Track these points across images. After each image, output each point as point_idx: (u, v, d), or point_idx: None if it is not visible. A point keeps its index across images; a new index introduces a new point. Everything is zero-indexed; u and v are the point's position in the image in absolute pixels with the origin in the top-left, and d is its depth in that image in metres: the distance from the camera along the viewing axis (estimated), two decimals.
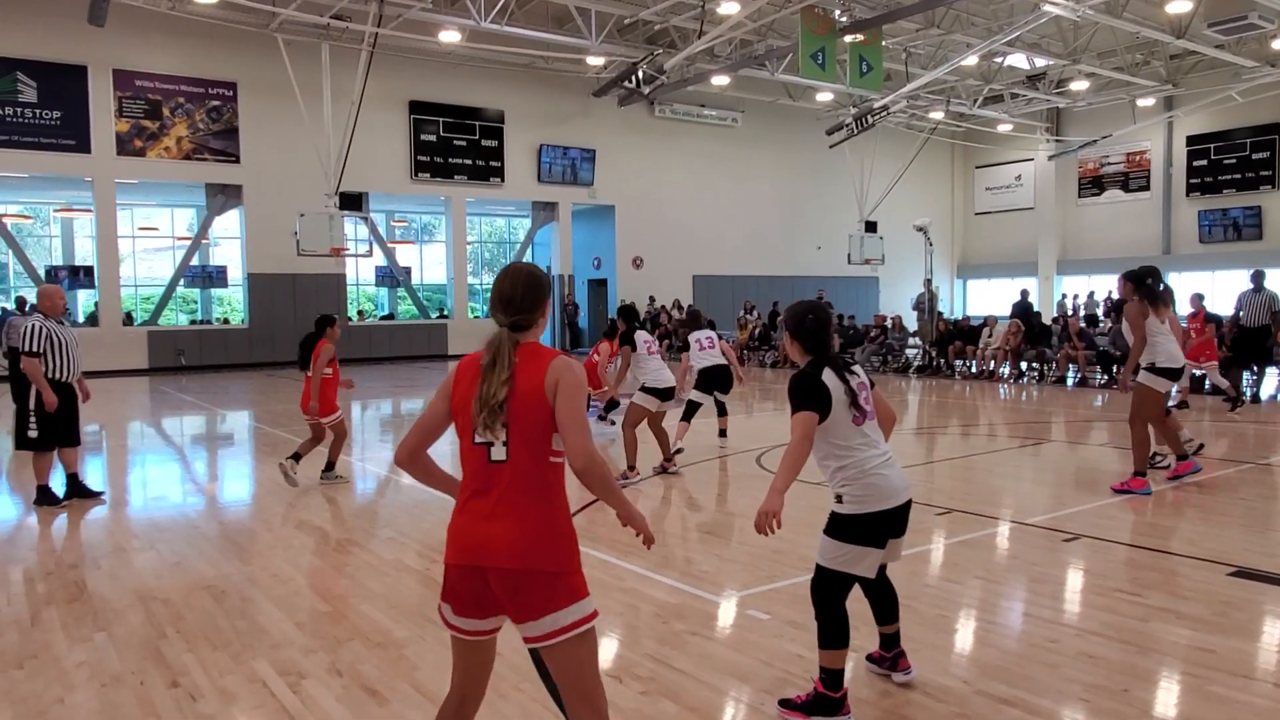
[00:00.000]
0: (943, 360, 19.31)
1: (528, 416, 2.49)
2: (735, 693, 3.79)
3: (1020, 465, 9.29)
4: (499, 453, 2.50)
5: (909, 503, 3.58)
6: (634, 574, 5.43)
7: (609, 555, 5.85)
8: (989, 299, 32.71)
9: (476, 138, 25.53)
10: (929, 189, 34.10)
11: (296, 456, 8.06)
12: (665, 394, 8.28)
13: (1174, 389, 7.65)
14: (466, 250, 27.58)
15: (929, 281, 20.44)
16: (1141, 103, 27.65)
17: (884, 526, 3.49)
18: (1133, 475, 7.42)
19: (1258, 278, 13.99)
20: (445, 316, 26.95)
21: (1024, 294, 20.69)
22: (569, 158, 27.11)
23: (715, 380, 9.37)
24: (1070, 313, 21.90)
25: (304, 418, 8.30)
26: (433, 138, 24.86)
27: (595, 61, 23.80)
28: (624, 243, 28.48)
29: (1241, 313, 13.80)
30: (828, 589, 3.52)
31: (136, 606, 4.98)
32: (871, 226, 26.15)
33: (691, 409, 9.22)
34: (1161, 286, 7.52)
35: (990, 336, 18.33)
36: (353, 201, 20.82)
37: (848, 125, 23.64)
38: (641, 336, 8.35)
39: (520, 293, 2.62)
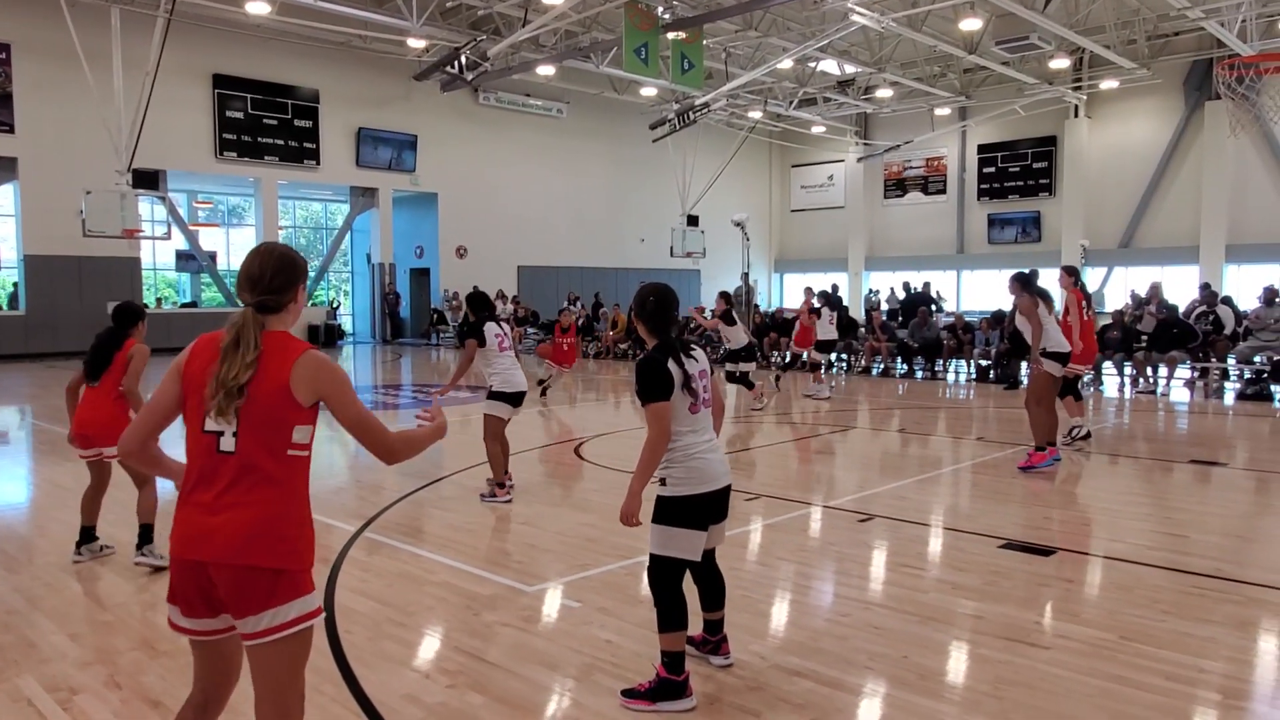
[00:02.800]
0: (759, 351, 20.06)
1: (266, 408, 2.37)
2: (544, 681, 3.80)
3: (828, 451, 9.80)
4: (228, 443, 2.37)
5: (728, 488, 3.69)
6: (446, 567, 5.35)
7: (421, 549, 5.74)
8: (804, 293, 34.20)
9: (289, 117, 24.28)
10: (748, 185, 35.31)
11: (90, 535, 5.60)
12: (516, 399, 7.25)
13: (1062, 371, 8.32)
14: (279, 235, 26.22)
15: (746, 275, 21.19)
16: (939, 112, 29.73)
17: (705, 509, 3.59)
18: (1034, 450, 8.02)
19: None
20: None
21: (834, 288, 21.84)
22: (390, 142, 26.27)
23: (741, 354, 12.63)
24: (874, 307, 23.27)
25: (79, 453, 5.51)
26: (240, 115, 23.43)
27: (416, 44, 23.13)
28: (447, 231, 27.92)
29: None
30: (663, 575, 3.58)
31: None
32: (693, 220, 26.81)
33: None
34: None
35: None
36: (148, 180, 19.36)
37: (670, 121, 24.12)
38: (492, 330, 7.24)
39: (270, 273, 2.49)
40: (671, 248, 26.23)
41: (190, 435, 2.43)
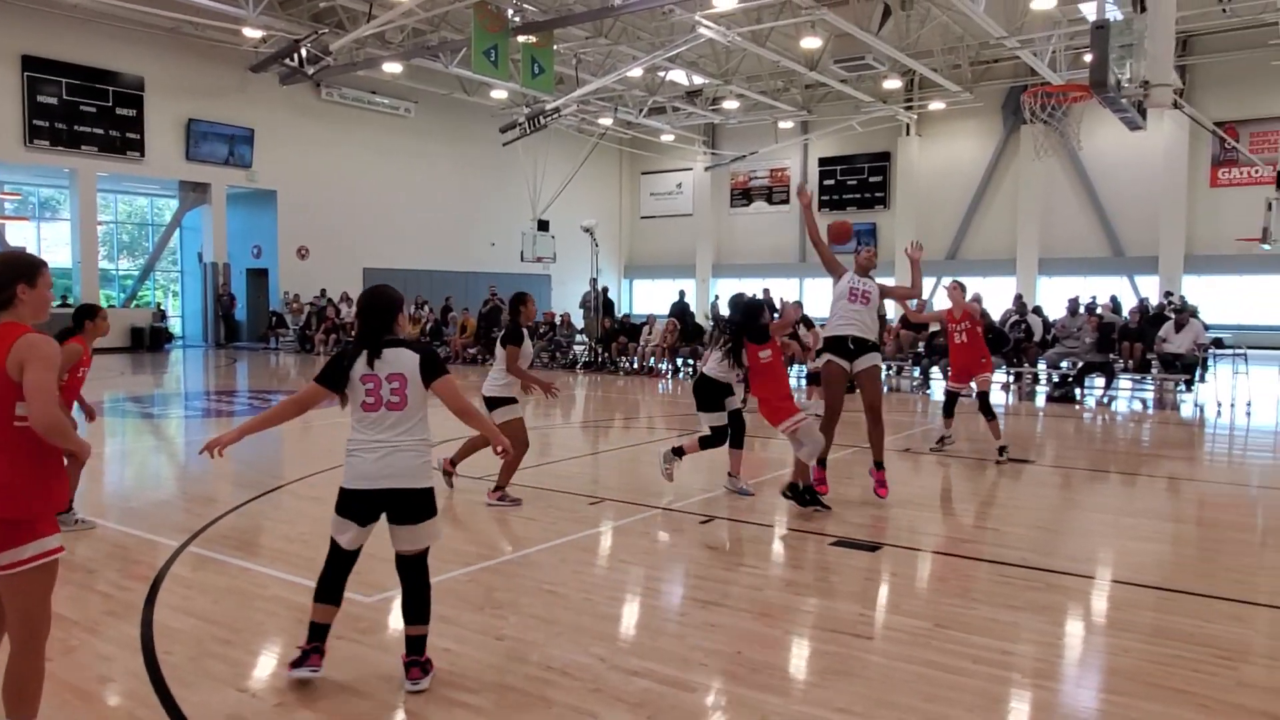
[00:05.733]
0: (607, 356, 20.23)
1: None
2: (381, 694, 3.71)
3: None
4: None
5: (388, 492, 3.75)
6: (279, 580, 5.14)
7: (252, 563, 5.49)
8: (653, 299, 34.77)
9: (110, 105, 22.65)
10: (599, 191, 35.54)
11: None
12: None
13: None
14: (98, 231, 24.45)
15: (595, 280, 21.33)
16: (782, 125, 30.90)
17: (352, 503, 3.79)
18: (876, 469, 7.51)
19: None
20: (70, 304, 23.68)
21: (681, 294, 22.27)
22: (224, 136, 24.95)
23: None
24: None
25: None
26: (53, 100, 21.69)
27: (253, 34, 22.09)
28: (287, 231, 26.76)
29: None
30: (331, 549, 3.89)
31: None
32: (544, 225, 26.74)
33: None
34: None
35: (650, 334, 19.49)
36: None
37: (521, 124, 23.99)
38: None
39: None
40: (522, 252, 26.09)
41: None
